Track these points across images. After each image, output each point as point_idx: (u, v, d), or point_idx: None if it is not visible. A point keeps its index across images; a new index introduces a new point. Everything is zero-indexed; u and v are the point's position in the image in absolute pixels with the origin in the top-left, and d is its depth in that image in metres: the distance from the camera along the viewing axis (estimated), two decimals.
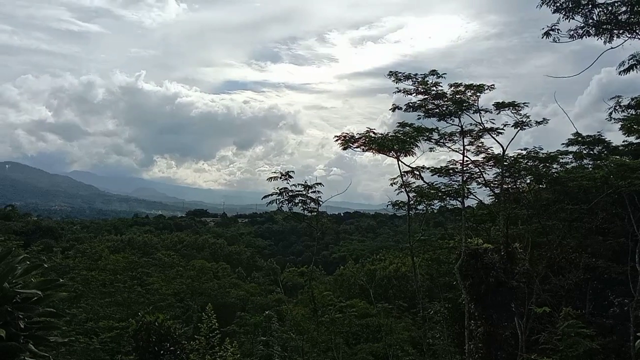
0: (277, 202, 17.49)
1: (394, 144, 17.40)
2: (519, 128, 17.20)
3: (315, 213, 18.48)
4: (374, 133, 17.73)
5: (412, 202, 19.43)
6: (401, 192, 19.20)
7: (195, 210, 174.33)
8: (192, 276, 39.30)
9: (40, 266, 5.10)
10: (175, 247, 68.57)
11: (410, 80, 17.95)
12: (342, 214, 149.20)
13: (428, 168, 19.29)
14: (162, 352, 13.86)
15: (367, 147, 17.81)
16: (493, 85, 17.43)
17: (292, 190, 17.42)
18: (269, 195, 17.43)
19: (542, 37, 11.42)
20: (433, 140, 18.73)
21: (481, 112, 17.59)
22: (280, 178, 17.34)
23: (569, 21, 11.50)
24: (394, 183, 19.34)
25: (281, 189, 17.30)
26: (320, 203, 17.92)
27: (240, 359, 15.45)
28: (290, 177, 17.37)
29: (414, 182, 19.42)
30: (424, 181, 19.18)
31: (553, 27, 11.42)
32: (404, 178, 19.01)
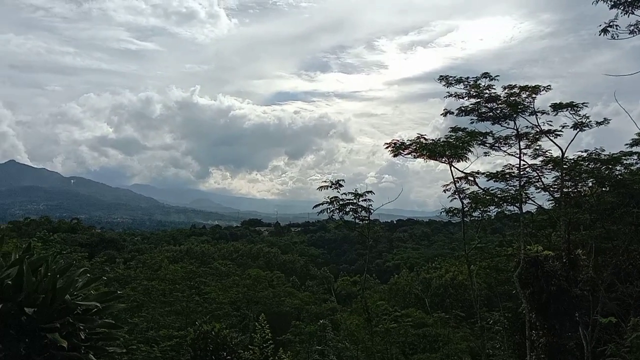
0: (328, 211, 17.49)
1: (446, 149, 17.06)
2: (578, 129, 16.50)
3: (366, 221, 18.34)
4: (424, 139, 17.47)
5: (466, 208, 18.93)
6: (455, 198, 18.77)
7: (249, 220, 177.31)
8: (247, 285, 39.80)
9: (99, 279, 5.30)
10: (231, 256, 69.84)
11: (461, 83, 17.63)
12: (394, 222, 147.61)
13: (483, 173, 18.80)
14: None
15: (418, 154, 17.54)
16: (549, 86, 16.84)
17: (342, 199, 17.36)
18: (319, 204, 17.46)
19: (600, 34, 10.91)
20: (487, 145, 18.26)
21: (537, 114, 17.02)
22: (331, 187, 17.33)
23: (629, 16, 10.94)
24: (447, 189, 18.94)
25: (332, 197, 17.28)
26: (372, 211, 17.77)
27: None
28: (341, 185, 17.33)
29: (468, 188, 18.96)
30: (479, 187, 18.69)
31: (611, 23, 10.89)
32: (458, 184, 18.58)
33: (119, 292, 5.45)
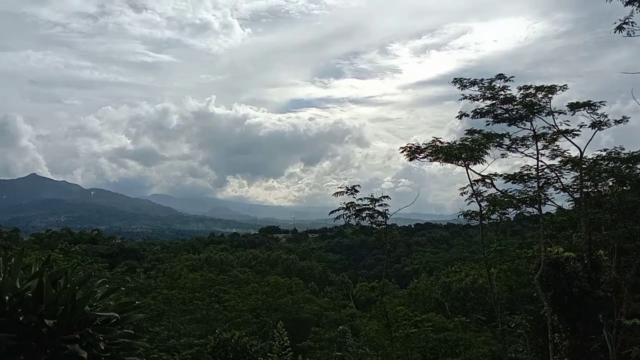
0: (344, 217, 17.45)
1: (462, 152, 16.94)
2: (596, 128, 16.25)
3: (383, 226, 18.26)
4: (440, 142, 17.37)
5: (484, 211, 18.75)
6: (472, 201, 18.61)
7: (267, 227, 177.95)
8: (266, 292, 39.84)
9: (117, 289, 5.36)
10: (249, 263, 70.02)
11: (476, 85, 17.51)
12: (412, 226, 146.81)
13: (501, 175, 18.63)
14: None
15: (433, 157, 17.44)
16: (565, 85, 16.65)
17: (358, 205, 17.31)
18: (335, 210, 17.43)
19: (615, 32, 10.76)
20: (504, 146, 18.09)
21: (554, 114, 16.83)
22: (347, 193, 17.30)
23: None
24: (464, 193, 18.79)
25: (347, 203, 17.24)
26: (388, 216, 17.71)
27: None
28: (357, 191, 17.30)
29: (485, 191, 18.79)
30: (497, 189, 18.52)
31: (626, 20, 10.75)
32: (475, 187, 18.43)
33: (137, 302, 5.50)
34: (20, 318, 4.31)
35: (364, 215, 17.47)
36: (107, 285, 5.25)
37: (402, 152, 17.68)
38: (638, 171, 16.52)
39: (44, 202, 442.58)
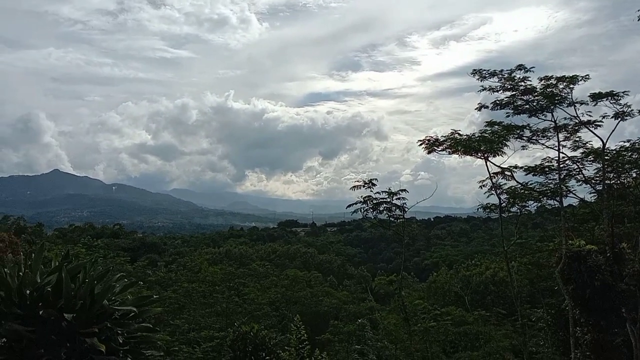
0: (362, 211, 17.38)
1: (481, 145, 16.75)
2: (619, 119, 15.94)
3: (401, 220, 18.15)
4: (459, 134, 17.20)
5: (504, 204, 18.52)
6: (491, 194, 18.41)
7: (286, 221, 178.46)
8: (286, 285, 40.06)
9: (135, 283, 5.42)
10: (269, 257, 70.33)
11: (495, 77, 17.33)
12: (432, 219, 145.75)
13: (521, 167, 18.40)
14: None
15: (452, 150, 17.28)
16: (587, 75, 16.40)
17: (376, 198, 17.22)
18: (353, 204, 17.37)
19: (639, 20, 10.51)
20: (525, 138, 17.87)
21: (576, 104, 16.55)
22: (364, 186, 17.22)
23: None
24: (483, 185, 18.59)
25: (365, 197, 17.17)
26: (406, 209, 17.58)
27: None
28: (374, 184, 17.20)
29: (505, 183, 18.56)
30: (517, 181, 18.28)
31: None
32: (494, 179, 18.21)
33: (155, 296, 5.56)
34: (40, 312, 4.38)
35: (381, 208, 17.37)
36: (125, 280, 5.31)
37: (420, 144, 17.56)
38: None
39: (66, 197, 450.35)
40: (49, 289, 4.54)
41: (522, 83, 16.98)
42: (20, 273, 4.68)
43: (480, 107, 18.29)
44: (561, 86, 16.52)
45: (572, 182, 18.06)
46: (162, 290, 32.55)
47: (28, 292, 4.51)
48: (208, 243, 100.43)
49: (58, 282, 4.53)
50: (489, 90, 17.58)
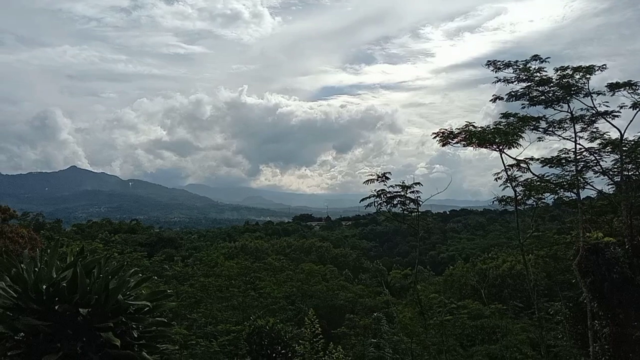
0: (376, 204, 17.28)
1: (495, 137, 16.56)
2: (638, 109, 15.66)
3: (416, 213, 18.03)
4: (473, 126, 17.00)
5: (519, 196, 18.32)
6: (507, 186, 18.21)
7: (300, 215, 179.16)
8: (301, 279, 40.17)
9: (149, 278, 5.48)
10: (284, 251, 70.57)
11: (510, 68, 17.12)
12: (447, 212, 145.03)
13: (537, 159, 18.17)
14: (274, 355, 14.28)
15: (467, 142, 17.09)
16: (604, 65, 16.09)
17: (389, 192, 17.10)
18: (366, 198, 17.29)
19: None
20: (541, 129, 17.64)
21: (593, 95, 16.29)
22: (377, 180, 17.11)
23: None
24: (499, 178, 18.40)
25: (378, 190, 17.05)
26: (420, 203, 17.44)
27: None
28: (387, 178, 17.08)
29: (520, 175, 18.35)
30: (533, 173, 18.06)
31: None
32: (509, 172, 18.01)
33: (169, 290, 5.60)
34: (56, 307, 4.45)
35: (395, 202, 17.26)
36: (139, 275, 5.36)
37: (435, 137, 17.39)
38: None
39: (84, 193, 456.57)
40: (64, 284, 4.61)
41: (538, 74, 16.76)
42: (36, 269, 4.75)
43: (495, 99, 18.09)
44: (577, 76, 16.26)
45: (590, 173, 17.80)
46: (179, 284, 32.83)
47: (44, 287, 4.58)
48: (224, 237, 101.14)
49: (73, 277, 4.60)
50: (504, 81, 17.39)
